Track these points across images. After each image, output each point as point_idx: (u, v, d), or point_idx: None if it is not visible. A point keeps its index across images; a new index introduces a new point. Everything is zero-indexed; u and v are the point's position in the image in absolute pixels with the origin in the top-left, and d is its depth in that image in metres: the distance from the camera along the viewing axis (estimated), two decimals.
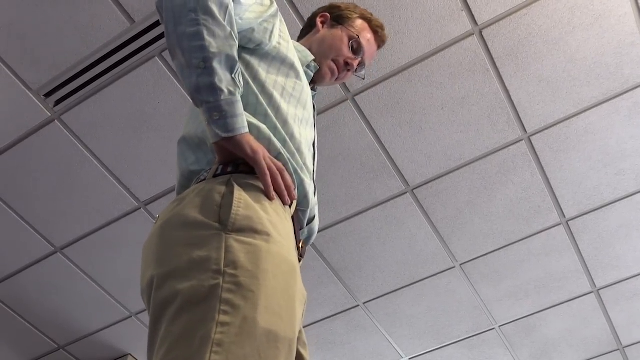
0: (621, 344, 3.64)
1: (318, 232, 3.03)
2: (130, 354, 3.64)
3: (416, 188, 2.95)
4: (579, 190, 2.96)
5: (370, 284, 3.34)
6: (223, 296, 0.96)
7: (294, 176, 1.26)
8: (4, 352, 3.62)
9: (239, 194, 1.11)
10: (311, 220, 1.38)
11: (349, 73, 1.67)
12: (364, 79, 1.79)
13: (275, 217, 1.14)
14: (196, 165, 1.27)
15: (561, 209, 3.02)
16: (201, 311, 0.96)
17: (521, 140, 2.79)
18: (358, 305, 3.44)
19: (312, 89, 1.60)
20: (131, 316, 3.44)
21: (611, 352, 3.69)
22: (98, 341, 3.57)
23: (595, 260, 3.24)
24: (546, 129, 2.76)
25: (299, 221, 1.31)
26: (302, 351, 1.21)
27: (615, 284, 3.35)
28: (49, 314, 3.43)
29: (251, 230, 1.06)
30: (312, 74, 1.57)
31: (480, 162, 2.87)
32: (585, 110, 2.70)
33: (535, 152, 2.83)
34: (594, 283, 3.35)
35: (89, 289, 3.31)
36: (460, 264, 3.25)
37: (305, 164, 1.31)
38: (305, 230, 1.37)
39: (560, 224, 3.08)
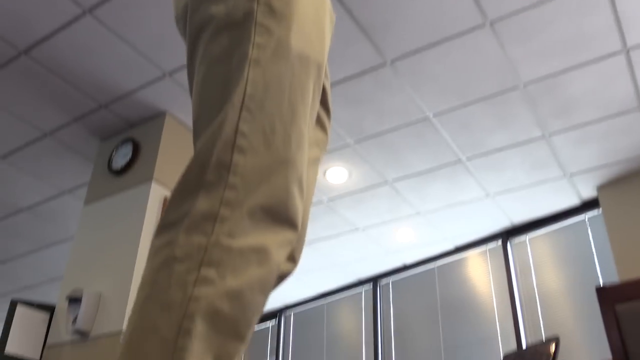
0: None
1: None
2: (167, 111, 3.83)
3: None
4: None
5: (398, 42, 3.34)
6: (258, 20, 1.01)
7: None
8: (48, 112, 3.83)
9: None
10: None
11: None
12: None
13: None
14: None
15: None
16: (237, 33, 1.01)
17: None
18: (385, 64, 3.49)
19: None
20: (165, 75, 3.56)
21: (631, 111, 3.77)
22: (136, 100, 3.74)
23: (631, 17, 3.16)
24: None
25: None
26: (325, 82, 1.29)
27: None
28: (85, 74, 3.55)
29: None
30: None
31: None
32: None
33: None
34: (625, 43, 3.30)
35: (122, 49, 3.38)
36: (490, 21, 3.21)
37: None
38: None
39: None
